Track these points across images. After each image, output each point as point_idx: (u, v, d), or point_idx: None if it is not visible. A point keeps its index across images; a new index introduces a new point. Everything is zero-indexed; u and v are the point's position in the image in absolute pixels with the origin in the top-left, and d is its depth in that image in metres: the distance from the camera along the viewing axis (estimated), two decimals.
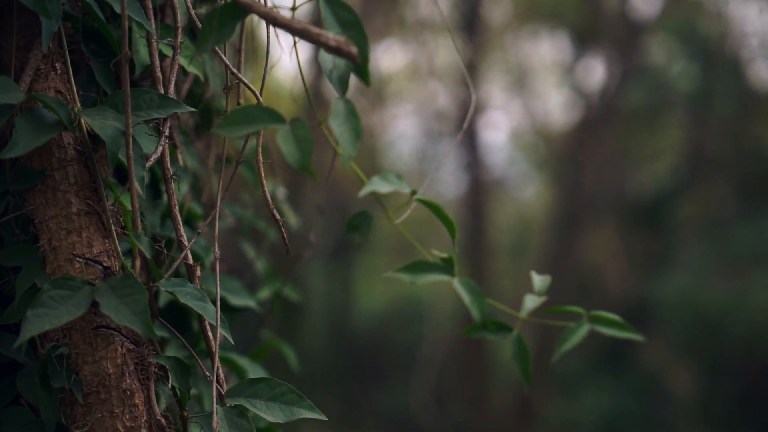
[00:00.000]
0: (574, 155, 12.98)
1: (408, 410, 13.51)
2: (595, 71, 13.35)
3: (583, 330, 1.96)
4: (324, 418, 1.95)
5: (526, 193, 15.69)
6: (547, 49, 13.79)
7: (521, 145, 15.01)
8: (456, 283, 1.93)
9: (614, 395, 13.17)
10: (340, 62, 1.88)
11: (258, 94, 1.99)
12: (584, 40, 13.16)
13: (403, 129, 14.34)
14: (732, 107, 12.85)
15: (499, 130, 14.20)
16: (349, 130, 1.84)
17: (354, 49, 1.75)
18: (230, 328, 2.11)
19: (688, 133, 13.27)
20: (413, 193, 1.91)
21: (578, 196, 12.79)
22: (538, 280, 2.04)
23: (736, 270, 12.91)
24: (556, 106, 14.03)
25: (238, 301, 2.55)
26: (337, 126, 1.83)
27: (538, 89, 14.27)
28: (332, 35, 1.75)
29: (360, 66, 1.82)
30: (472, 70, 12.84)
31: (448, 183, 14.80)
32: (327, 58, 1.87)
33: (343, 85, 1.89)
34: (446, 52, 13.36)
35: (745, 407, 12.81)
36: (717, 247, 12.99)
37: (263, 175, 2.07)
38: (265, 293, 3.02)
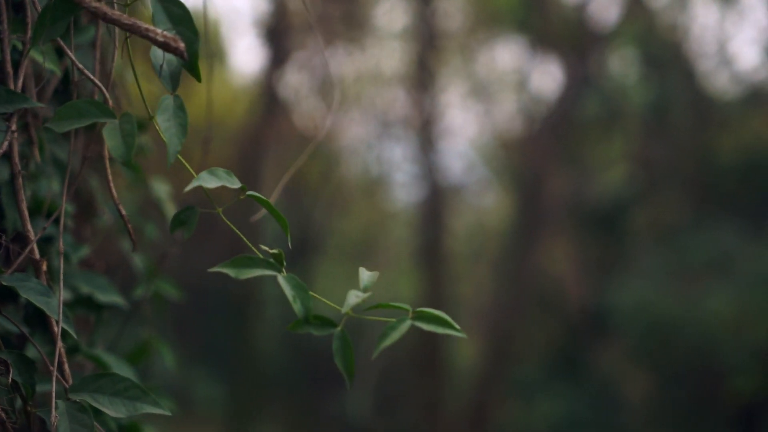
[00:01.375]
0: (532, 163, 13.03)
1: (364, 415, 13.51)
2: (553, 79, 13.42)
3: (405, 326, 1.94)
4: (168, 413, 1.96)
5: (485, 200, 15.74)
6: (504, 57, 13.85)
7: (480, 152, 15.05)
8: (280, 278, 1.91)
9: (569, 401, 13.22)
10: (171, 58, 1.89)
11: (104, 88, 1.99)
12: (541, 47, 13.23)
13: (360, 134, 14.35)
14: (688, 116, 12.95)
15: (457, 137, 14.23)
16: (176, 125, 1.85)
17: (182, 45, 1.78)
18: (99, 325, 2.09)
19: (644, 142, 13.36)
20: (243, 189, 1.91)
21: (536, 203, 12.84)
22: (365, 277, 2.02)
23: (690, 277, 13.00)
24: (514, 113, 14.08)
25: (105, 297, 2.54)
26: (164, 121, 1.84)
27: (497, 96, 14.32)
28: (161, 31, 1.78)
29: (189, 62, 1.84)
30: (430, 77, 12.87)
31: (406, 189, 14.84)
32: (157, 54, 1.87)
33: (173, 81, 1.89)
34: (403, 57, 13.39)
35: (698, 413, 12.91)
36: (672, 254, 13.09)
37: (109, 170, 2.07)
38: (141, 291, 3.01)
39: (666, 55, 13.23)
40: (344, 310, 1.93)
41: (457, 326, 1.91)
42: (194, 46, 1.84)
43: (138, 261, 2.96)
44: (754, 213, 12.89)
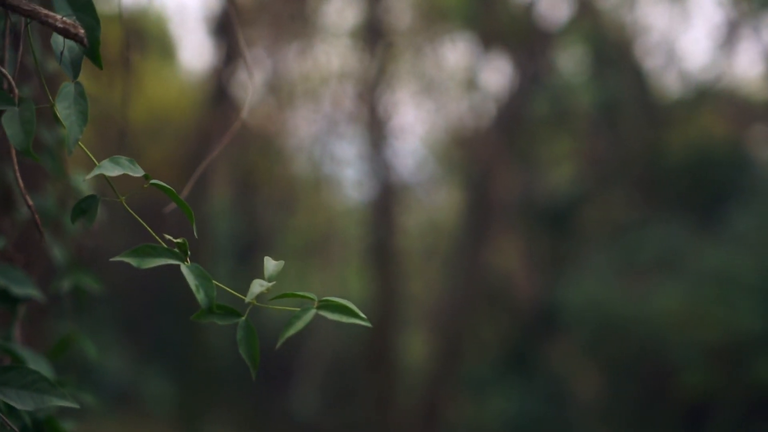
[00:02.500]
0: (482, 160, 13.06)
1: (313, 412, 13.51)
2: (503, 76, 13.46)
3: (309, 315, 1.93)
4: (76, 406, 1.94)
5: (436, 197, 15.76)
6: (454, 55, 13.87)
7: (431, 150, 15.07)
8: (183, 267, 1.90)
9: (521, 398, 13.26)
10: (73, 45, 1.85)
11: (9, 76, 1.97)
12: (491, 45, 13.26)
13: (310, 131, 14.32)
14: (637, 114, 13.03)
15: (408, 134, 14.24)
16: (77, 113, 1.82)
17: (82, 32, 1.76)
18: (15, 317, 2.07)
19: (594, 139, 13.43)
20: (146, 177, 1.89)
21: (486, 200, 12.87)
22: (270, 266, 2.02)
23: (639, 274, 13.09)
24: (465, 111, 14.11)
25: (20, 290, 2.52)
26: (63, 108, 1.81)
27: (447, 94, 14.34)
28: (60, 17, 1.76)
29: (90, 49, 1.82)
30: (380, 75, 12.88)
31: (357, 187, 14.83)
32: (58, 40, 1.84)
33: (75, 69, 1.86)
34: (354, 54, 13.39)
35: (648, 409, 12.99)
36: (621, 251, 13.17)
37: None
38: (64, 284, 2.99)
39: (615, 53, 13.31)
40: (248, 299, 1.92)
41: (362, 315, 1.91)
42: (95, 33, 1.80)
43: (58, 253, 2.94)
44: (702, 210, 12.99)
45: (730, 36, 12.16)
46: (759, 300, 12.78)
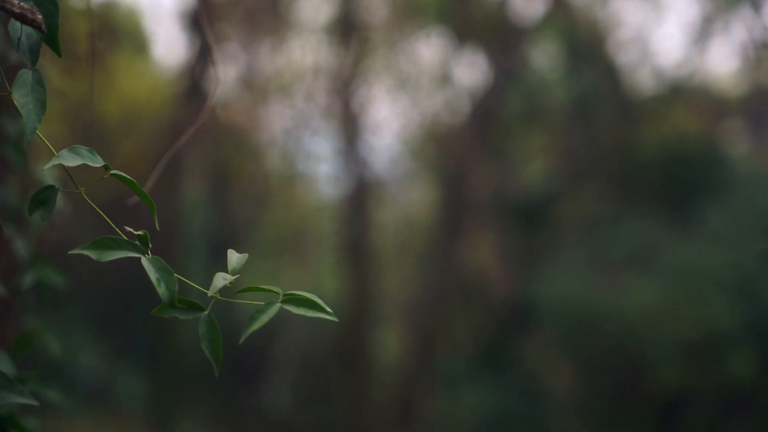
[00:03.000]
0: (457, 156, 13.06)
1: (286, 409, 13.47)
2: (477, 72, 13.45)
3: (273, 309, 1.90)
4: (35, 403, 1.90)
5: (411, 193, 15.74)
6: (429, 50, 13.86)
7: (405, 146, 15.05)
8: (144, 261, 1.87)
9: (496, 394, 13.27)
10: (31, 31, 1.82)
11: None
12: (465, 41, 13.25)
13: (285, 127, 14.29)
14: (610, 110, 13.05)
15: (383, 130, 14.22)
16: (34, 101, 1.79)
17: (39, 17, 1.73)
18: None
19: (568, 136, 13.45)
20: (106, 167, 1.86)
21: (461, 197, 12.87)
22: (233, 259, 1.99)
23: (613, 270, 13.11)
24: (440, 107, 14.11)
25: None
26: (20, 97, 1.78)
27: (422, 90, 14.33)
28: (18, 2, 1.73)
29: (49, 35, 1.79)
30: (355, 71, 12.86)
31: (332, 183, 14.81)
32: (16, 26, 1.80)
33: (33, 55, 1.82)
34: (328, 50, 13.36)
35: (623, 404, 13.03)
36: (595, 247, 13.19)
37: None
38: (27, 279, 2.95)
39: (588, 50, 13.33)
40: (210, 293, 1.88)
41: (328, 309, 1.88)
42: (54, 19, 1.76)
43: (21, 247, 2.90)
44: (675, 206, 13.03)
45: (703, 32, 12.20)
46: (732, 296, 12.83)
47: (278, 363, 13.72)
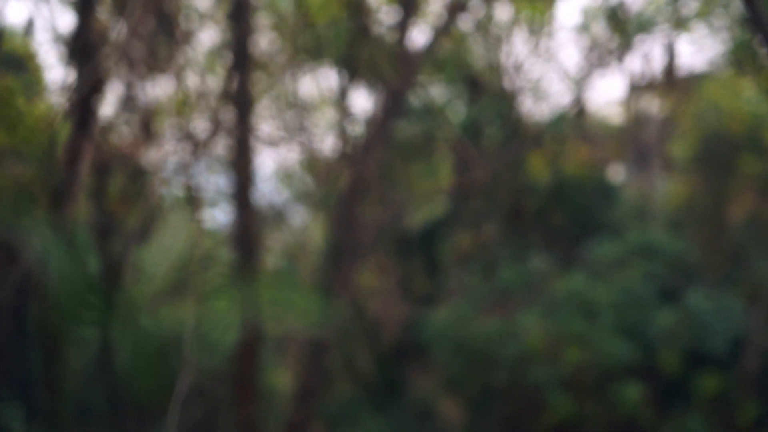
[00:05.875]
0: (348, 186, 13.04)
1: None
2: (369, 103, 13.49)
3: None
4: None
5: (300, 222, 15.70)
6: (319, 83, 13.84)
7: (294, 175, 15.01)
8: None
9: (388, 426, 13.27)
10: None
11: None
12: (356, 73, 13.25)
13: (175, 154, 14.11)
14: (502, 142, 13.17)
15: (272, 161, 14.18)
16: None
17: None
18: None
19: (459, 167, 13.53)
20: None
21: (351, 227, 12.84)
22: None
23: (503, 302, 13.23)
24: (331, 136, 14.11)
25: None
26: None
27: (315, 117, 14.32)
28: None
29: None
30: (246, 100, 12.76)
31: (221, 211, 14.66)
32: None
33: None
34: (219, 80, 13.27)
35: (512, 429, 13.14)
36: (486, 279, 13.30)
37: None
38: None
39: (481, 82, 13.46)
40: None
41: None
42: None
43: None
44: (565, 238, 13.20)
45: (594, 65, 12.40)
46: (619, 328, 13.04)
47: (170, 397, 13.51)
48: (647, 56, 13.56)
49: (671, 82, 13.30)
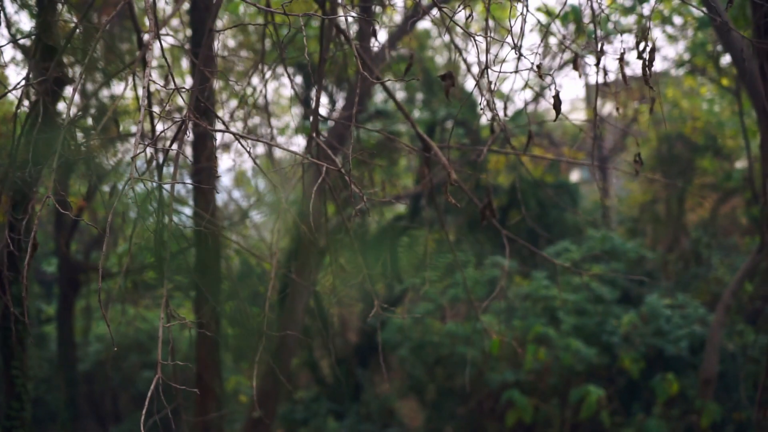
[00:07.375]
0: (308, 188, 12.98)
1: None
2: (331, 107, 13.45)
3: None
4: None
5: (264, 226, 15.60)
6: (278, 86, 13.81)
7: (255, 179, 14.93)
8: None
9: (346, 430, 13.29)
10: None
11: None
12: (314, 76, 13.20)
13: (132, 160, 13.97)
14: (462, 144, 13.19)
15: (233, 162, 14.07)
16: None
17: None
18: None
19: (421, 167, 13.53)
20: None
21: (312, 228, 12.79)
22: None
23: (463, 303, 13.25)
24: (291, 137, 14.07)
25: None
26: None
27: (274, 120, 14.27)
28: None
29: None
30: (206, 101, 12.66)
31: (183, 215, 14.55)
32: None
33: None
34: (179, 81, 13.18)
35: (472, 429, 13.17)
36: (449, 279, 13.31)
37: None
38: None
39: (438, 85, 13.46)
40: None
41: None
42: None
43: None
44: (526, 240, 13.26)
45: (557, 66, 12.41)
46: (580, 330, 13.11)
47: (125, 408, 13.44)
48: (610, 57, 13.62)
49: (639, 81, 13.33)
